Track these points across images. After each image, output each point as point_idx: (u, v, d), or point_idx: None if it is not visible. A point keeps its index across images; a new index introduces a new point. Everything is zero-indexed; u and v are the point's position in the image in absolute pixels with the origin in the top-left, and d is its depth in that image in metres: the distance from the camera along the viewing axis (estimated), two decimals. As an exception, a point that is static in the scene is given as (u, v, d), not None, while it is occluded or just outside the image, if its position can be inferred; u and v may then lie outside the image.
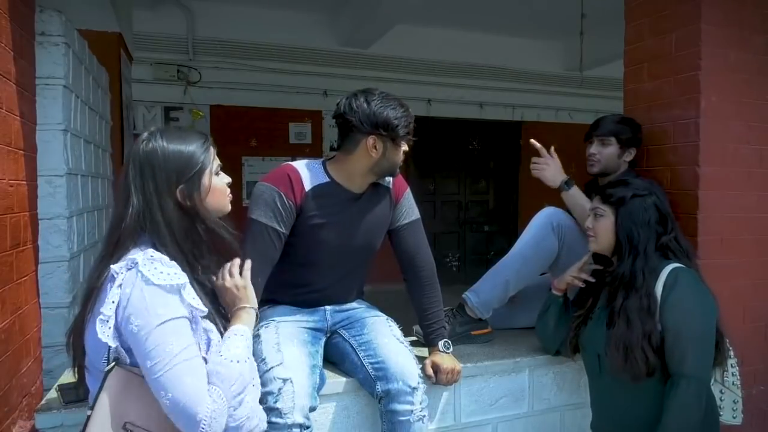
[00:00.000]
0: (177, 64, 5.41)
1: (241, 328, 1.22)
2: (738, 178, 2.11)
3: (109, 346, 1.08)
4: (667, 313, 1.51)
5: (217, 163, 1.26)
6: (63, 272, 2.13)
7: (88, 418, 1.08)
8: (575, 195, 2.07)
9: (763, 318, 2.16)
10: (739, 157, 2.11)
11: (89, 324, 1.12)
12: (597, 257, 1.78)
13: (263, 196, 1.63)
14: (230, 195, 1.30)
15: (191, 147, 1.20)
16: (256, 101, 5.73)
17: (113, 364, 1.08)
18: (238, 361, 1.14)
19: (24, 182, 1.88)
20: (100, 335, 1.06)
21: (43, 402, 1.56)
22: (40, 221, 2.06)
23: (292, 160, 1.76)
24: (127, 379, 1.08)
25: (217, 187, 1.24)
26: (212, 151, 1.24)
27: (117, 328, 1.07)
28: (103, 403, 1.07)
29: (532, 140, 2.13)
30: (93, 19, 3.42)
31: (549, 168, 2.09)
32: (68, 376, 1.57)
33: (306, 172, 1.69)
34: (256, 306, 1.31)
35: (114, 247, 1.16)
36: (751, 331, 2.12)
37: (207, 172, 1.22)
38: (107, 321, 1.06)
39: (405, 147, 1.72)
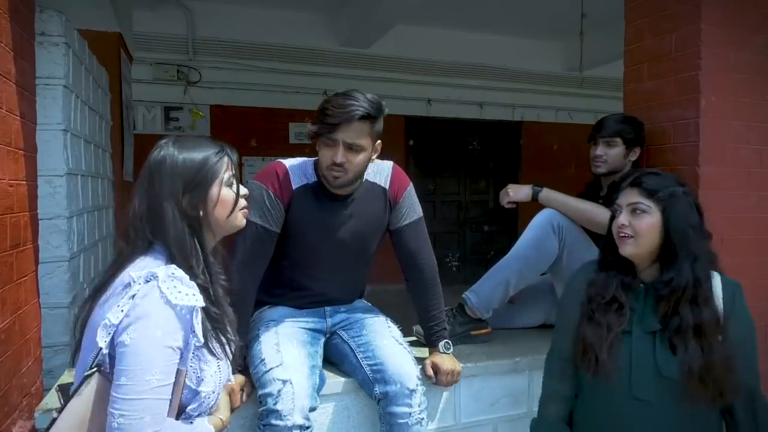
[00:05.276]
0: (177, 64, 5.42)
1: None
2: (738, 178, 2.11)
3: (99, 351, 1.03)
4: (734, 329, 1.35)
5: (229, 173, 1.20)
6: (63, 272, 2.13)
7: (53, 421, 1.03)
8: (550, 194, 2.10)
9: (763, 318, 2.15)
10: (739, 157, 2.11)
11: (90, 325, 1.09)
12: (616, 262, 1.47)
13: (252, 194, 1.61)
14: (245, 209, 1.25)
15: (201, 155, 1.16)
16: (256, 101, 5.73)
17: (95, 369, 1.04)
18: None
19: (24, 182, 1.88)
20: (98, 339, 1.02)
21: (43, 402, 1.56)
22: (40, 221, 2.06)
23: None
24: (103, 389, 1.02)
25: (225, 198, 1.18)
26: (225, 161, 1.19)
27: (114, 336, 1.03)
28: (73, 409, 1.03)
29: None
30: (93, 19, 3.42)
31: (512, 190, 2.15)
32: (68, 376, 1.57)
33: (295, 170, 1.66)
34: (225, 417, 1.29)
35: (126, 248, 1.13)
36: (751, 331, 2.12)
37: (216, 182, 1.17)
38: (110, 327, 1.02)
39: (339, 149, 1.54)
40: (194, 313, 1.06)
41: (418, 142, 6.56)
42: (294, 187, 1.64)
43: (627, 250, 1.42)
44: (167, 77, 5.39)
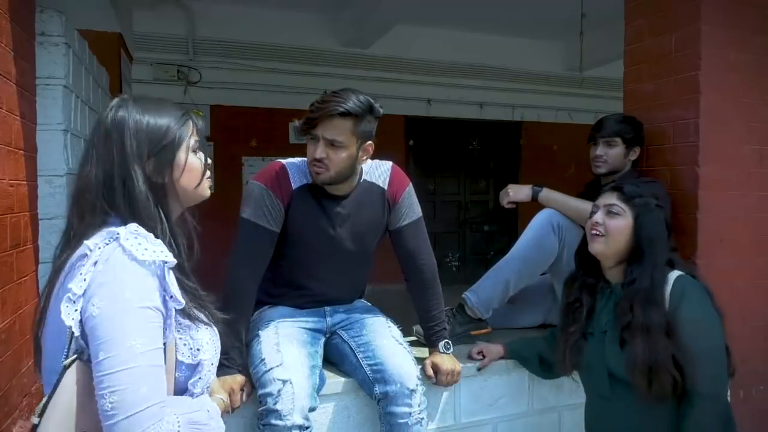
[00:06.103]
0: (177, 64, 5.42)
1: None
2: (738, 178, 2.11)
3: (72, 335, 0.89)
4: (678, 327, 1.39)
5: (195, 139, 1.09)
6: (63, 272, 2.13)
7: (34, 427, 0.89)
8: (549, 194, 2.11)
9: (763, 318, 2.16)
10: (739, 157, 2.11)
11: (50, 310, 0.94)
12: (584, 263, 1.61)
13: (253, 194, 1.62)
14: (210, 179, 1.12)
15: (166, 117, 1.05)
16: (256, 101, 5.73)
17: (74, 357, 0.90)
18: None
19: (24, 182, 1.88)
20: (63, 316, 0.88)
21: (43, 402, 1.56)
22: (40, 221, 2.06)
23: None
24: (88, 378, 0.88)
25: (192, 165, 1.07)
26: (190, 125, 1.09)
27: (81, 312, 0.89)
28: (57, 406, 0.88)
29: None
30: (93, 19, 3.43)
31: (512, 190, 2.16)
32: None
33: (295, 170, 1.66)
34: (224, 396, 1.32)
35: (78, 226, 0.99)
36: (752, 331, 2.12)
37: (183, 146, 1.06)
38: (75, 302, 0.89)
39: (319, 144, 1.55)
40: (166, 270, 0.94)
41: (418, 142, 6.56)
42: (294, 187, 1.64)
43: (596, 247, 1.52)
44: (167, 77, 5.40)
